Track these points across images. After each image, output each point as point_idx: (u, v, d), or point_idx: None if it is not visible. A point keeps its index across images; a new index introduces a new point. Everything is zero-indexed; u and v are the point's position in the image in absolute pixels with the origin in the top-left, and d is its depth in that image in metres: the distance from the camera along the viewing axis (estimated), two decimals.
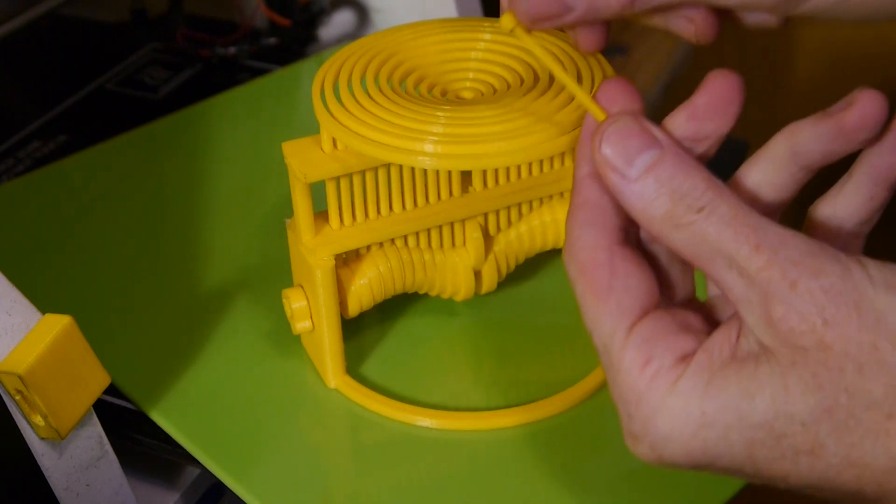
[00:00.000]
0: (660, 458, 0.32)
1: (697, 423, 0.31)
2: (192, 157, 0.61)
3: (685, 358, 0.32)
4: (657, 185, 0.32)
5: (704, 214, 0.31)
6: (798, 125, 0.34)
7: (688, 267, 0.37)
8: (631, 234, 0.35)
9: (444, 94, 0.42)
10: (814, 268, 0.30)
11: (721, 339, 0.32)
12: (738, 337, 0.32)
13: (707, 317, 0.35)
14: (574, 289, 0.34)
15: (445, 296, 0.48)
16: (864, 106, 0.33)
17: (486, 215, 0.47)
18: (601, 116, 0.34)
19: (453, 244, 0.46)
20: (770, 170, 0.35)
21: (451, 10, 0.67)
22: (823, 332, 0.30)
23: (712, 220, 0.31)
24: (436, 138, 0.38)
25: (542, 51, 0.36)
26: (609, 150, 0.33)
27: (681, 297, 0.37)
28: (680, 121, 0.34)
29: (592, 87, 0.41)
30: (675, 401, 0.31)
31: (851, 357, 0.30)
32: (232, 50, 0.70)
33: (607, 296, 0.33)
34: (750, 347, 0.31)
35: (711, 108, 0.34)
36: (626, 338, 0.33)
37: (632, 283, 0.33)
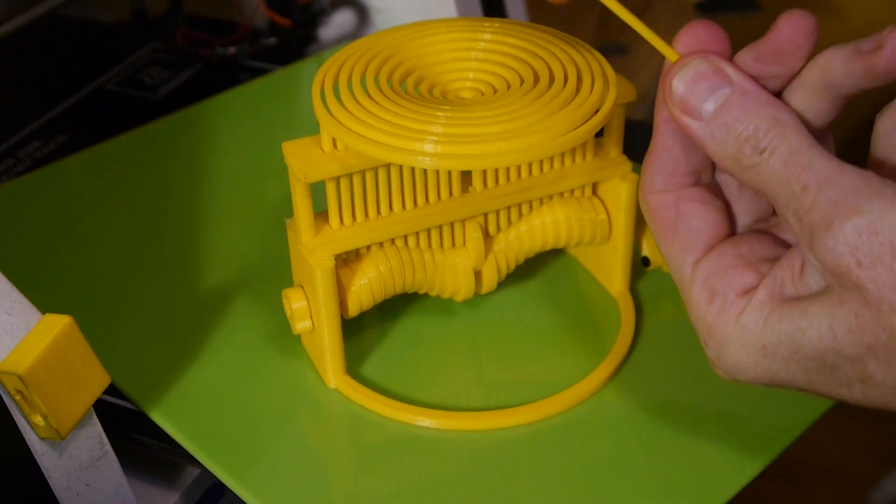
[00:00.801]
0: (734, 379, 0.35)
1: (760, 354, 0.34)
2: (192, 157, 0.61)
3: (747, 292, 0.35)
4: (724, 129, 0.34)
5: (766, 155, 0.33)
6: (830, 59, 0.35)
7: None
8: (704, 172, 0.38)
9: (444, 94, 0.42)
10: (851, 207, 0.31)
11: (782, 273, 0.34)
12: (801, 268, 0.34)
13: (778, 238, 0.37)
14: (651, 229, 0.38)
15: (445, 296, 0.48)
16: (894, 49, 0.33)
17: (486, 215, 0.47)
18: (674, 57, 0.35)
19: (453, 244, 0.46)
20: (807, 98, 0.36)
21: (451, 10, 0.67)
22: (858, 273, 0.31)
23: (772, 161, 0.33)
24: (436, 138, 0.38)
25: None
26: (679, 93, 0.35)
27: (756, 218, 0.39)
28: (747, 60, 0.35)
29: (593, 87, 0.41)
30: (739, 334, 0.34)
31: (885, 298, 0.31)
32: (232, 50, 0.70)
33: (673, 235, 0.37)
34: (812, 280, 0.33)
35: (777, 51, 0.35)
36: (692, 274, 0.36)
37: (695, 222, 0.37)
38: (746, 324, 0.34)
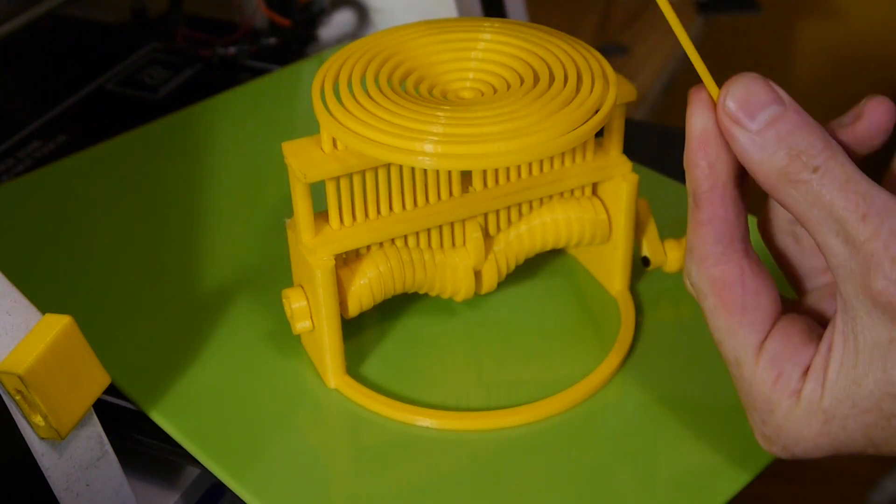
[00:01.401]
0: (792, 455, 0.36)
1: (820, 423, 0.34)
2: (192, 157, 0.61)
3: (807, 369, 0.35)
4: (777, 139, 0.33)
5: (819, 174, 0.32)
6: None
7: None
8: (749, 243, 0.37)
9: (444, 94, 0.42)
10: None
11: (828, 336, 0.34)
12: (837, 320, 0.34)
13: (812, 311, 0.38)
14: (703, 303, 0.36)
15: (445, 296, 0.48)
16: (872, 116, 0.35)
17: (486, 215, 0.47)
18: (716, 92, 0.35)
19: (453, 244, 0.46)
20: None
21: (451, 10, 0.67)
22: None
23: (825, 181, 0.32)
24: (436, 138, 0.38)
25: (670, 12, 0.36)
26: (733, 104, 0.34)
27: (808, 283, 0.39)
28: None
29: (593, 87, 0.41)
30: (803, 409, 0.34)
31: None
32: (232, 50, 0.70)
33: (741, 314, 0.35)
34: (847, 330, 0.33)
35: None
36: (757, 354, 0.35)
37: (762, 299, 0.36)
38: (807, 395, 0.34)
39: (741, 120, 0.34)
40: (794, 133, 0.33)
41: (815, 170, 0.33)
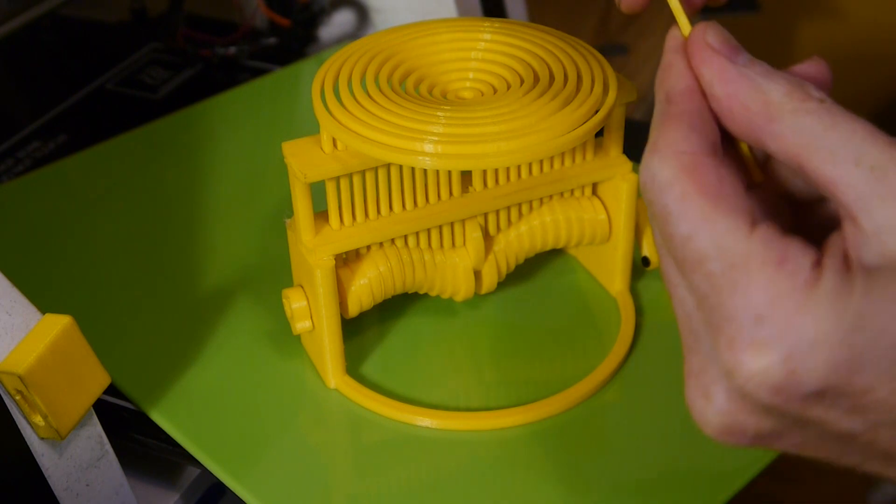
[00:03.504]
0: (792, 372, 0.27)
1: (851, 325, 0.27)
2: (192, 157, 0.61)
3: (819, 262, 0.28)
4: (768, 71, 0.30)
5: (828, 105, 0.29)
6: None
7: None
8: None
9: (444, 94, 0.42)
10: None
11: (836, 253, 0.28)
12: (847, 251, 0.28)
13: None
14: (665, 197, 0.29)
15: (445, 296, 0.48)
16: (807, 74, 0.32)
17: (486, 215, 0.47)
18: (688, 28, 0.32)
19: (453, 244, 0.46)
20: None
21: (451, 10, 0.67)
22: None
23: (835, 108, 0.29)
24: (436, 138, 0.38)
25: None
26: (715, 39, 0.31)
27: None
28: None
29: (593, 87, 0.41)
30: (823, 300, 0.27)
31: None
32: (232, 50, 0.70)
33: (717, 195, 0.29)
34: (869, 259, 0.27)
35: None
36: (750, 233, 0.28)
37: (740, 192, 0.29)
38: (830, 288, 0.27)
39: (726, 53, 0.30)
40: (783, 75, 0.30)
41: (822, 101, 0.29)
